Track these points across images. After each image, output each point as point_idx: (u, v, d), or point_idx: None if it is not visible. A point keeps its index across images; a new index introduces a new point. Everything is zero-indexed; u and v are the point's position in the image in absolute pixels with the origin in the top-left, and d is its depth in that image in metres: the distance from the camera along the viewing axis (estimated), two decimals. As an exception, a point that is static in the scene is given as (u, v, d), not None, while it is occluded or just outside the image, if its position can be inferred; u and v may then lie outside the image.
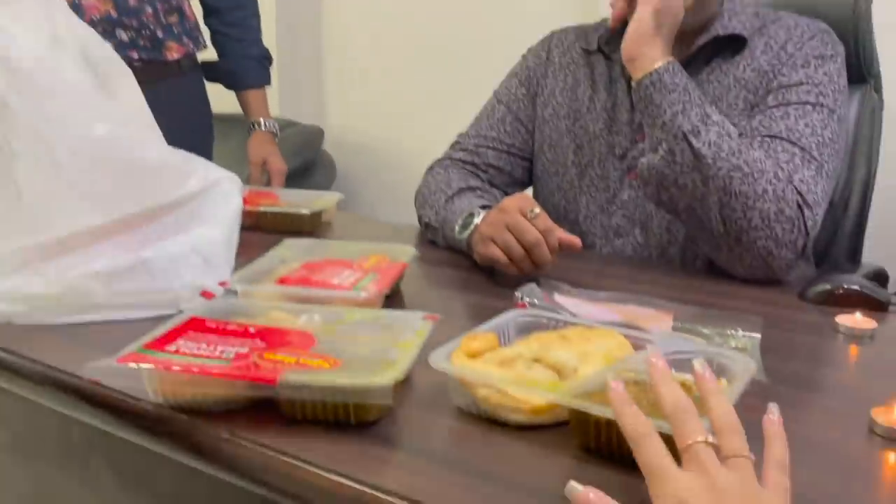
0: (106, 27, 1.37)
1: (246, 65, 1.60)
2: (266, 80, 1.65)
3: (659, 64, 0.97)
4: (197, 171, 0.82)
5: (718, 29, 1.07)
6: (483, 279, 1.00)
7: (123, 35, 1.40)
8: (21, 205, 0.73)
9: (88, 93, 0.73)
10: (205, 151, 1.61)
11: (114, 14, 1.38)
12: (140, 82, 1.37)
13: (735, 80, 1.06)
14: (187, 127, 1.53)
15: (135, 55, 1.41)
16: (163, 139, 0.82)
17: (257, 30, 1.63)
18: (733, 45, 1.08)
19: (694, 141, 0.94)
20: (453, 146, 1.27)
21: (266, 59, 1.65)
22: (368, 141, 2.69)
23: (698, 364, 0.51)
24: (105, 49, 0.80)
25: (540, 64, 1.25)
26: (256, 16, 1.63)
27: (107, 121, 0.72)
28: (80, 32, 0.76)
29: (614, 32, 1.10)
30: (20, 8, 0.73)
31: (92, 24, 1.33)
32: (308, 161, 2.37)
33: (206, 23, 1.60)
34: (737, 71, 1.06)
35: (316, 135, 2.45)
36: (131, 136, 0.74)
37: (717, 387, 0.49)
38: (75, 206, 0.72)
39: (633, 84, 1.01)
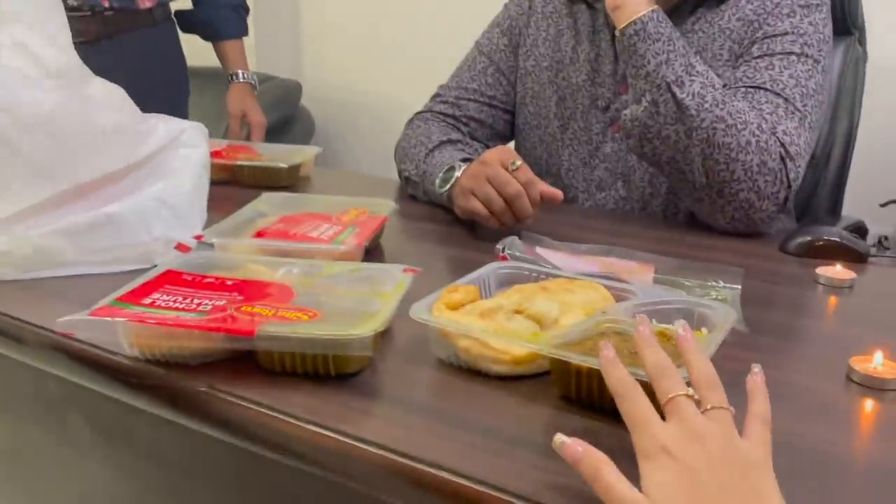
0: None
1: (222, 15, 1.56)
2: (244, 31, 1.61)
3: (643, 12, 0.96)
4: (156, 128, 0.80)
5: (704, -23, 1.05)
6: (464, 233, 0.99)
7: None
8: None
9: (35, 72, 0.70)
10: (180, 104, 1.58)
11: None
12: (111, 32, 1.34)
13: (720, 30, 1.04)
14: (161, 79, 1.50)
15: (105, 3, 1.36)
16: (123, 101, 0.79)
17: None
18: (719, -6, 1.06)
19: (678, 91, 0.93)
20: (433, 98, 1.25)
21: (243, 8, 1.61)
22: (346, 95, 2.65)
23: (680, 326, 0.51)
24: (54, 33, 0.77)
25: (522, 14, 1.22)
26: None
27: (55, 94, 0.70)
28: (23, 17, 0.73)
29: None
30: None
31: None
32: (286, 116, 2.33)
33: None
34: (721, 21, 1.05)
35: (294, 89, 2.41)
36: (82, 106, 0.72)
37: (698, 345, 0.49)
38: (33, 180, 0.70)
39: (617, 33, 0.99)
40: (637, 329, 0.51)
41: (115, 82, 0.84)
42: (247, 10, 1.62)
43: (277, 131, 2.10)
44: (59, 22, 0.76)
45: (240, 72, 1.57)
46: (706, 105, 0.93)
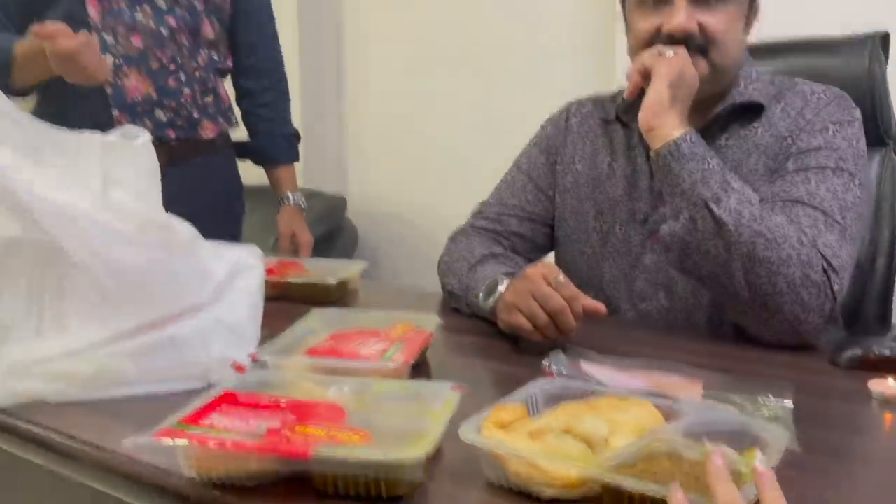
0: (146, 108, 1.43)
1: (276, 143, 1.66)
2: (295, 157, 1.70)
3: (677, 134, 0.99)
4: (222, 258, 0.86)
5: (735, 97, 1.09)
6: (508, 346, 1.01)
7: (162, 115, 1.45)
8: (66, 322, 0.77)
9: (125, 226, 0.78)
10: (236, 223, 1.65)
11: (154, 96, 1.43)
12: (176, 161, 1.43)
13: (754, 146, 1.08)
14: (220, 201, 1.58)
15: (171, 134, 1.46)
16: (196, 241, 0.86)
17: (287, 110, 1.70)
18: (751, 111, 1.10)
19: (715, 208, 0.95)
20: (475, 214, 1.29)
21: (295, 136, 1.70)
22: (389, 208, 2.73)
23: (758, 459, 0.51)
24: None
25: (559, 133, 1.28)
26: (286, 97, 1.70)
27: (140, 246, 0.77)
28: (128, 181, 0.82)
29: (631, 101, 1.12)
30: (75, 158, 0.79)
31: (133, 104, 1.41)
32: (332, 229, 2.42)
33: (239, 104, 1.66)
34: (755, 137, 1.08)
35: (339, 203, 2.50)
36: (163, 255, 0.79)
37: (773, 481, 0.50)
38: (112, 317, 0.78)
39: (652, 154, 1.03)
40: (710, 462, 0.51)
41: (179, 206, 0.90)
42: (298, 137, 1.71)
43: (323, 243, 2.17)
44: (153, 183, 0.84)
45: (290, 195, 1.66)
46: (744, 220, 0.95)
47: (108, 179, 0.81)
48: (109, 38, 1.39)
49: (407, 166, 2.70)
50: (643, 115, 1.02)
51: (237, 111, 1.66)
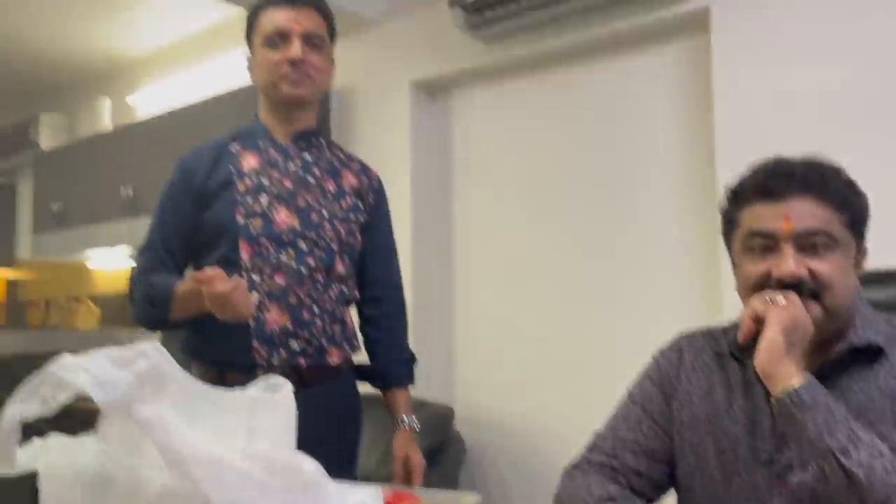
0: (282, 339, 1.54)
1: (394, 367, 1.73)
2: (411, 381, 1.76)
3: (796, 382, 0.99)
4: (346, 499, 0.90)
5: (853, 339, 1.09)
6: None
7: (295, 345, 1.55)
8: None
9: (265, 475, 0.85)
10: (354, 446, 1.69)
11: (290, 327, 1.55)
12: (303, 385, 1.52)
13: (878, 391, 1.05)
14: (343, 424, 1.65)
15: (302, 362, 1.56)
16: (323, 479, 0.91)
17: (405, 334, 1.78)
18: (870, 353, 1.08)
19: (844, 461, 0.92)
20: (590, 448, 1.28)
21: (412, 360, 1.77)
22: (497, 418, 2.73)
23: None
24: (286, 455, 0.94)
25: (672, 366, 1.29)
26: (405, 321, 1.79)
27: (277, 492, 0.84)
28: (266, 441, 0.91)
29: (745, 343, 1.13)
30: (224, 413, 0.89)
31: (271, 335, 1.53)
32: (440, 440, 2.43)
33: (362, 330, 1.76)
34: (878, 380, 1.06)
35: (447, 415, 2.53)
36: (296, 499, 0.85)
37: None
38: None
39: (773, 400, 1.02)
40: None
41: (305, 430, 0.95)
42: (415, 360, 1.78)
43: (431, 455, 2.18)
44: (290, 429, 0.92)
45: (405, 418, 1.70)
46: (877, 474, 0.91)
47: (253, 432, 0.89)
48: (256, 277, 1.54)
49: (515, 377, 2.72)
50: (759, 363, 1.03)
51: (359, 335, 1.75)
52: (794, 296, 1.05)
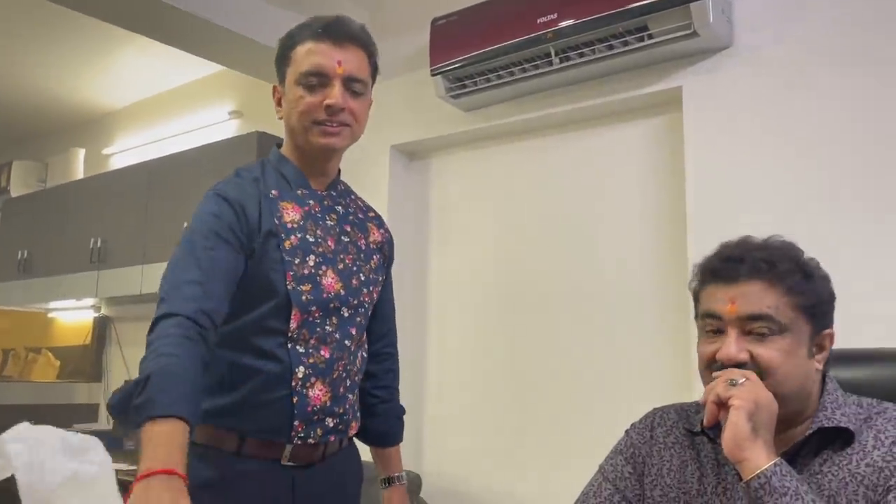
0: (320, 416, 1.41)
1: (392, 424, 1.64)
2: (402, 437, 1.67)
3: (765, 466, 0.98)
4: None
5: (823, 420, 1.09)
6: None
7: (330, 422, 1.43)
8: None
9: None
10: (357, 499, 1.59)
11: (329, 404, 1.42)
12: (325, 456, 1.44)
13: (850, 475, 1.05)
14: (350, 489, 1.55)
15: (332, 438, 1.45)
16: None
17: (398, 389, 1.69)
18: (842, 436, 1.08)
19: None
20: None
21: (404, 414, 1.68)
22: (464, 489, 2.67)
23: None
24: None
25: (644, 442, 1.27)
26: (398, 376, 1.70)
27: None
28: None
29: (710, 427, 1.12)
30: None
31: (313, 412, 1.39)
32: (405, 510, 2.36)
33: (361, 385, 1.61)
34: (850, 465, 1.05)
35: (414, 482, 2.47)
36: None
37: None
38: None
39: (743, 484, 1.01)
40: None
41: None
42: (404, 413, 1.69)
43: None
44: None
45: (401, 474, 1.63)
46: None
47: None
48: (301, 349, 1.39)
49: (484, 446, 2.68)
50: (727, 448, 1.02)
51: None
52: (753, 375, 1.05)
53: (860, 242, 2.01)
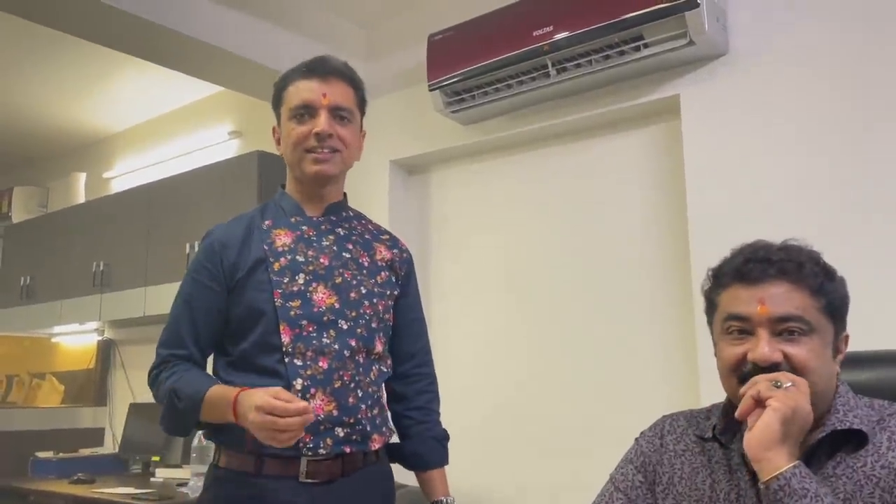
0: (328, 426, 1.44)
1: (430, 446, 1.63)
2: (446, 460, 1.66)
3: (785, 468, 0.98)
4: None
5: (836, 423, 1.08)
6: None
7: (341, 432, 1.46)
8: None
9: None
10: None
11: (335, 413, 1.45)
12: (347, 471, 1.45)
13: (866, 477, 1.04)
14: None
15: (347, 449, 1.46)
16: None
17: (438, 412, 1.69)
18: (855, 438, 1.08)
19: None
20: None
21: (446, 439, 1.67)
22: (477, 500, 2.66)
23: None
24: None
25: (654, 450, 1.27)
26: (438, 398, 1.70)
27: None
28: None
29: (740, 421, 1.09)
30: None
31: (317, 422, 1.42)
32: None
33: (391, 408, 1.66)
34: (865, 467, 1.05)
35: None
36: None
37: None
38: None
39: (761, 486, 1.00)
40: None
41: None
42: (448, 438, 1.68)
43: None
44: None
45: (445, 499, 1.61)
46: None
47: None
48: (298, 362, 1.45)
49: (493, 457, 2.66)
50: (751, 445, 1.01)
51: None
52: (803, 382, 1.03)
53: (860, 246, 2.00)
